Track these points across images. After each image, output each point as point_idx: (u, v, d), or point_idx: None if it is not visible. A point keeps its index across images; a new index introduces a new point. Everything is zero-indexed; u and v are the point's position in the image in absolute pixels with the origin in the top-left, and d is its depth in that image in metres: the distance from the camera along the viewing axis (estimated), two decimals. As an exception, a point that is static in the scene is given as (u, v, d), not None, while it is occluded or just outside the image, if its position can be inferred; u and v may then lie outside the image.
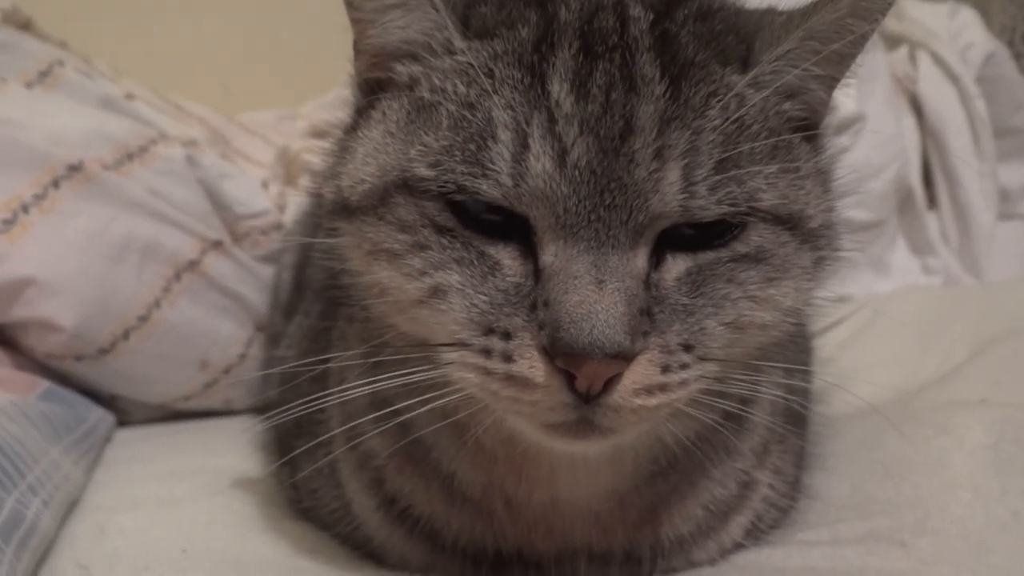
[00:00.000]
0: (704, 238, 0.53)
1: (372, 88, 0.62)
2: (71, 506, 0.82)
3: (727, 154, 0.52)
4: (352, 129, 0.62)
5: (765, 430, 0.69)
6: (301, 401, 0.62)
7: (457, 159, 0.52)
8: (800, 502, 0.78)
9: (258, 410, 1.23)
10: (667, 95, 0.52)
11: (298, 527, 0.79)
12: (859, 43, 0.57)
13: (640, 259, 0.52)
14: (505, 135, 0.51)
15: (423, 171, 0.54)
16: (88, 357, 1.09)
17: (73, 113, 1.18)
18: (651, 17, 0.56)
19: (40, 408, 0.88)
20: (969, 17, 2.18)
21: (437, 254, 0.54)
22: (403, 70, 0.59)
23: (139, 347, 1.11)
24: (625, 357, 0.50)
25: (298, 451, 0.80)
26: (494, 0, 0.58)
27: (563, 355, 0.49)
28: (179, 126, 1.45)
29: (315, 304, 0.90)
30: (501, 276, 0.53)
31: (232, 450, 1.06)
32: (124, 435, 1.13)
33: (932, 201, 2.01)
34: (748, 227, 0.53)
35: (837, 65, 0.58)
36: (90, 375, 1.11)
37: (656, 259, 0.53)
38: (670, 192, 0.51)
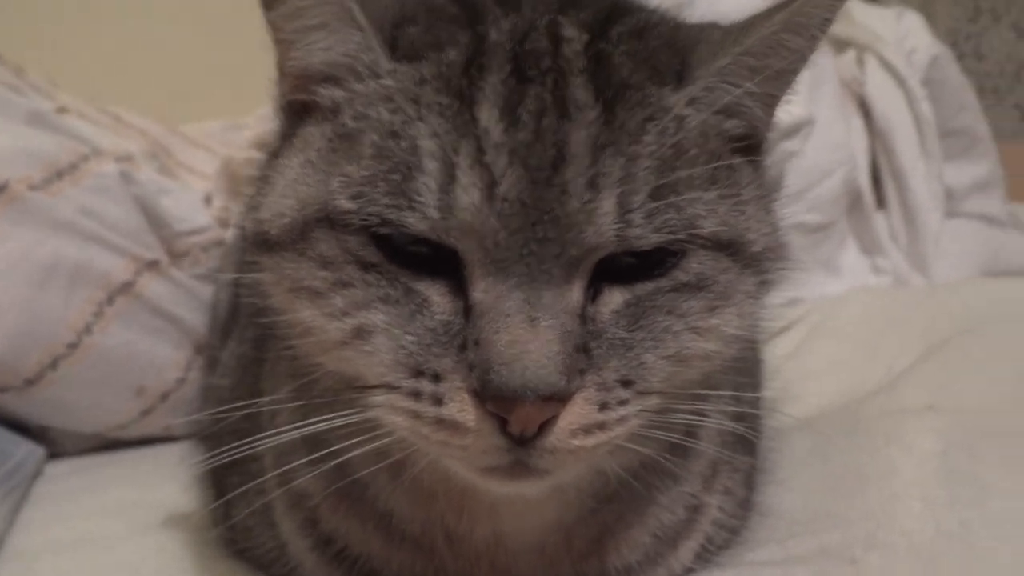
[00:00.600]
0: (642, 267, 0.51)
1: (297, 111, 0.59)
2: (-8, 553, 0.78)
3: (664, 180, 0.50)
4: (274, 156, 0.59)
5: (713, 453, 0.67)
6: (236, 444, 0.59)
7: (381, 190, 0.49)
8: (750, 520, 0.77)
9: (196, 437, 1.19)
10: (601, 120, 0.50)
11: (232, 569, 0.75)
12: (798, 60, 0.55)
13: (575, 293, 0.50)
14: (431, 165, 0.49)
15: (344, 203, 0.51)
16: (13, 388, 1.03)
17: (-3, 130, 1.13)
18: (585, 38, 0.53)
19: (-42, 447, 0.83)
20: (915, 21, 2.21)
21: (361, 292, 0.51)
22: (326, 94, 0.56)
23: (69, 375, 1.06)
24: (560, 398, 0.47)
25: (232, 489, 0.77)
26: (423, 20, 0.55)
27: (493, 398, 0.47)
28: (116, 140, 1.40)
29: (248, 330, 0.86)
30: (429, 314, 0.50)
31: (169, 481, 1.01)
32: (55, 469, 1.08)
33: (880, 202, 2.03)
34: (688, 255, 0.51)
35: (775, 82, 0.56)
36: (16, 407, 1.06)
37: (592, 291, 0.51)
38: (605, 223, 0.48)
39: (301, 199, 0.53)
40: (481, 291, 0.49)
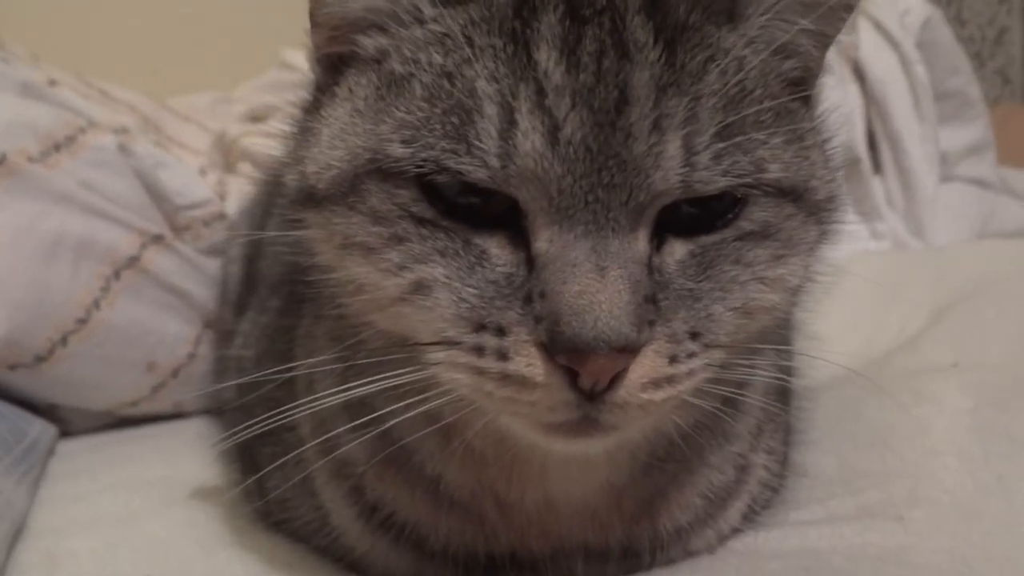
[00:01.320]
0: (706, 216, 0.50)
1: (334, 63, 0.57)
2: (16, 534, 0.75)
3: (729, 121, 0.48)
4: (314, 109, 0.57)
5: (759, 411, 0.67)
6: (274, 412, 0.57)
7: (437, 133, 0.47)
8: (789, 480, 0.77)
9: (212, 412, 1.17)
10: (662, 61, 0.48)
11: (269, 540, 0.73)
12: None
13: (642, 242, 0.48)
14: (491, 109, 0.47)
15: (397, 150, 0.48)
16: (23, 365, 1.01)
17: (-9, 102, 1.09)
18: None
19: (-25, 427, 0.81)
20: (906, -18, 2.20)
21: (418, 246, 0.49)
22: (368, 43, 0.53)
23: (79, 351, 1.04)
24: (632, 350, 0.46)
25: (265, 461, 0.75)
26: None
27: (564, 351, 0.45)
28: (108, 113, 1.36)
29: (271, 300, 0.84)
30: (490, 266, 0.48)
31: (187, 458, 1.00)
32: (68, 446, 1.06)
33: (877, 167, 2.03)
34: (751, 202, 0.50)
35: (828, 19, 0.55)
36: (27, 384, 1.03)
37: (657, 241, 0.49)
38: (672, 166, 0.47)
39: (351, 149, 0.51)
40: (545, 240, 0.47)
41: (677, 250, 0.49)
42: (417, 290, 0.49)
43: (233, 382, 0.86)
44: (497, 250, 0.49)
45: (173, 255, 1.17)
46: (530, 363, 0.47)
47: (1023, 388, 0.88)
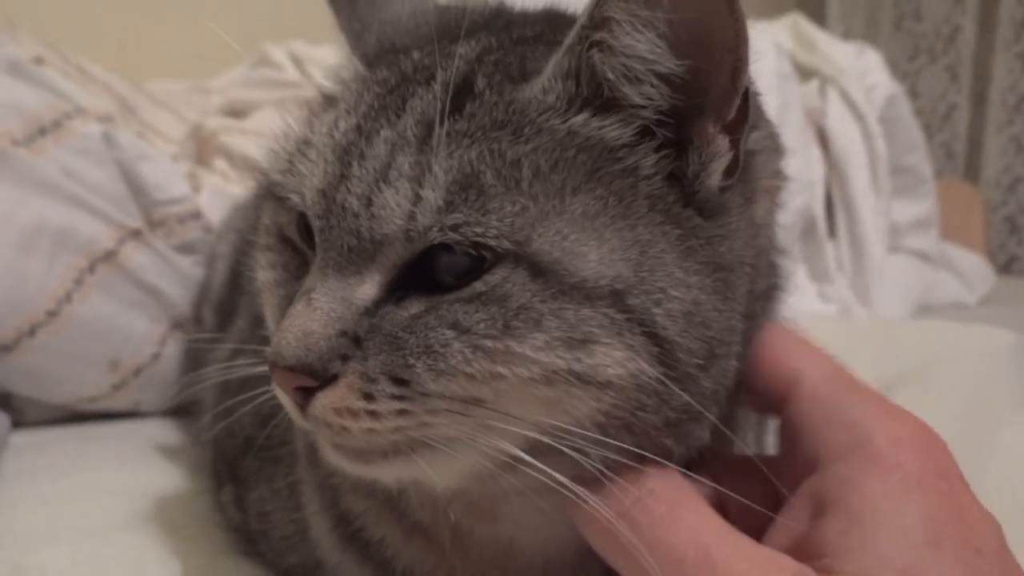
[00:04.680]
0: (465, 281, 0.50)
1: None
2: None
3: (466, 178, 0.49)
4: None
5: None
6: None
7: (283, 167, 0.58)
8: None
9: (176, 413, 1.15)
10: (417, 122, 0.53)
11: (242, 566, 0.74)
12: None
13: (367, 286, 0.50)
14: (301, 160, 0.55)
15: (272, 176, 0.57)
16: (-13, 355, 0.98)
17: (-22, 79, 1.06)
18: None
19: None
20: (874, 59, 2.31)
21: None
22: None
23: (46, 344, 1.01)
24: (309, 372, 0.49)
25: (248, 472, 0.75)
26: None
27: (270, 362, 0.50)
28: (91, 98, 1.33)
29: None
30: None
31: (148, 462, 1.00)
32: (21, 439, 1.03)
33: (831, 231, 2.12)
34: (496, 266, 0.49)
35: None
36: (-13, 373, 1.01)
37: (401, 294, 0.50)
38: (390, 215, 0.49)
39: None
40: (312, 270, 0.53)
41: (414, 306, 0.50)
42: None
43: (202, 383, 0.86)
44: None
45: (149, 251, 1.15)
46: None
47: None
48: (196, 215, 1.29)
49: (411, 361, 0.49)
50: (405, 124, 0.51)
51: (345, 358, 0.49)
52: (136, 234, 1.14)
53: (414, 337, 0.49)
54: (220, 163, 1.60)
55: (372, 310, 0.50)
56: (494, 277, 0.48)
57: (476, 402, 0.49)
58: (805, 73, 2.24)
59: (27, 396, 1.07)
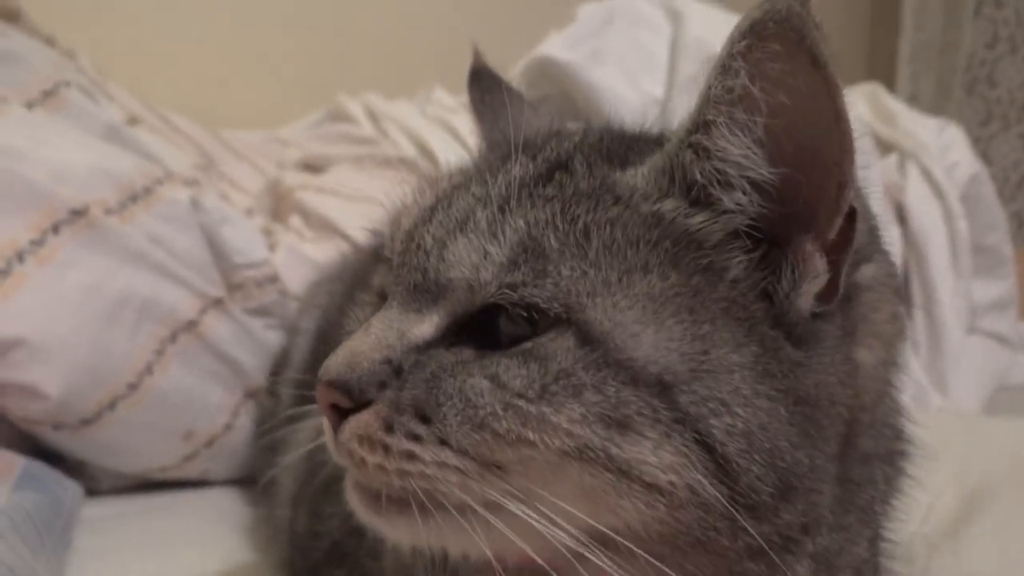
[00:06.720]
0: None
1: None
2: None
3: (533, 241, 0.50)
4: None
5: None
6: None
7: None
8: None
9: (241, 481, 1.14)
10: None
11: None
12: None
13: (425, 325, 0.51)
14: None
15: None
16: (67, 427, 0.98)
17: (78, 144, 1.07)
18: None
19: (22, 507, 0.77)
20: (956, 136, 2.25)
21: None
22: None
23: (126, 418, 1.01)
24: (345, 391, 0.49)
25: None
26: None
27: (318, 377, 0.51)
28: (178, 153, 1.35)
29: None
30: None
31: (219, 541, 0.97)
32: (92, 511, 1.02)
33: (907, 312, 2.05)
34: (549, 331, 0.48)
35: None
36: (64, 444, 1.01)
37: (453, 342, 0.51)
38: (452, 261, 0.50)
39: None
40: None
41: (463, 354, 0.50)
42: None
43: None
44: None
45: (229, 320, 1.15)
46: None
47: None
48: (273, 279, 1.29)
49: (442, 401, 0.48)
50: (495, 184, 0.52)
51: (383, 386, 0.49)
52: (218, 303, 1.13)
53: (453, 380, 0.48)
54: (295, 220, 1.60)
55: (423, 348, 0.50)
56: (542, 338, 0.47)
57: (497, 469, 0.47)
58: (884, 147, 2.19)
59: (102, 467, 1.06)
